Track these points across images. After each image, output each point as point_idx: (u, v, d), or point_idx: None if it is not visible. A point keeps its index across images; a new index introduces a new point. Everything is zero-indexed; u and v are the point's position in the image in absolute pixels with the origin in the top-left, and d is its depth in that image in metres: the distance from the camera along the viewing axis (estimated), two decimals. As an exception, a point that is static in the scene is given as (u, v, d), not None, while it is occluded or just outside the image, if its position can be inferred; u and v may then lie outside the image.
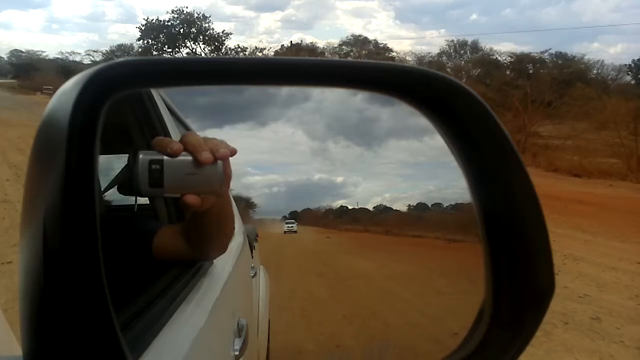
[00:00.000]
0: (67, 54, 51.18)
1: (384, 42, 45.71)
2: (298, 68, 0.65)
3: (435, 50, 43.58)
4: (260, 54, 37.82)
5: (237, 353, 0.96)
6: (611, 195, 12.73)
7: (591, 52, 68.38)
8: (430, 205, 2.28)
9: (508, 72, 29.99)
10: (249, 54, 37.57)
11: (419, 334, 2.46)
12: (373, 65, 0.68)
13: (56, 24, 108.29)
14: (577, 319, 4.36)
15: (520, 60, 30.53)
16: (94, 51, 48.54)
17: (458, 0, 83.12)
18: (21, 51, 54.00)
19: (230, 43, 44.08)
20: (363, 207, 4.04)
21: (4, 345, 0.76)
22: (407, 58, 34.58)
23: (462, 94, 0.63)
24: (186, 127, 1.62)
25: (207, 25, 43.15)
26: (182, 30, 42.81)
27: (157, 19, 42.38)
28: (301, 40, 45.04)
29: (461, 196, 0.69)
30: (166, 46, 42.35)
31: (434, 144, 0.71)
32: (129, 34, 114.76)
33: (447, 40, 41.26)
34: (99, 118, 0.47)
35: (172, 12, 42.41)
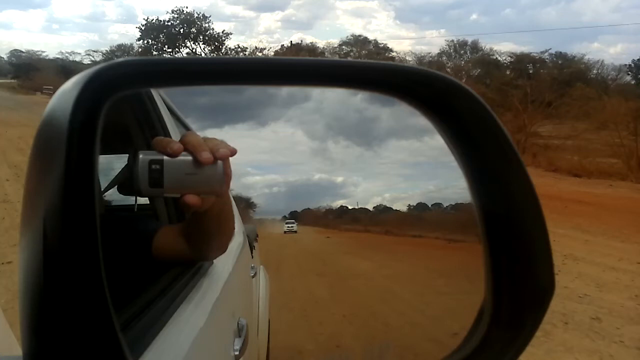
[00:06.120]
0: (67, 54, 51.21)
1: (384, 42, 45.73)
2: (298, 68, 0.65)
3: (435, 50, 43.51)
4: (260, 54, 37.81)
5: (237, 353, 0.96)
6: (611, 195, 12.72)
7: (591, 52, 68.32)
8: (430, 205, 2.28)
9: (508, 72, 29.91)
10: (249, 54, 37.56)
11: (419, 334, 2.46)
12: (373, 66, 0.68)
13: (56, 24, 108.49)
14: (577, 319, 4.36)
15: (520, 60, 30.48)
16: (94, 51, 48.55)
17: (458, 0, 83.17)
18: (21, 51, 54.09)
19: (230, 43, 44.06)
20: (363, 207, 4.04)
21: (4, 345, 0.76)
22: (407, 58, 34.57)
23: (463, 94, 0.63)
24: (186, 127, 1.62)
25: (207, 25, 43.14)
26: (182, 30, 42.77)
27: (157, 19, 42.37)
28: (301, 40, 45.08)
29: (461, 196, 0.69)
30: (166, 46, 42.31)
31: (434, 144, 0.71)
32: (129, 34, 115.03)
33: (447, 40, 41.27)
34: (99, 118, 0.47)
35: (172, 12, 42.40)
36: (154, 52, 41.45)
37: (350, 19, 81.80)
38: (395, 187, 3.68)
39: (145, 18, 46.47)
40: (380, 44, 40.32)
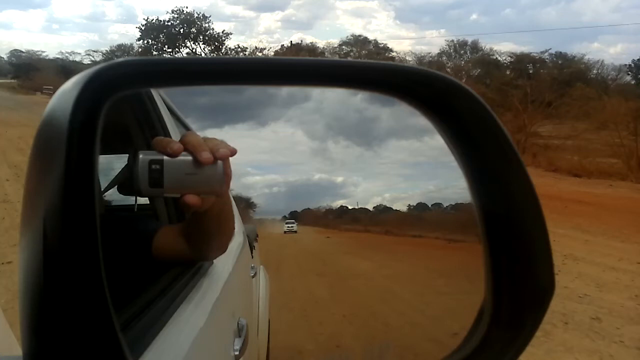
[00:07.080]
0: (67, 54, 51.20)
1: (384, 42, 45.72)
2: (298, 68, 0.65)
3: (435, 50, 43.47)
4: (260, 54, 37.80)
5: (237, 353, 0.96)
6: (611, 195, 12.72)
7: (591, 52, 68.26)
8: (430, 205, 2.28)
9: (508, 72, 29.89)
10: (249, 54, 37.54)
11: (419, 334, 2.46)
12: (373, 66, 0.68)
13: (56, 24, 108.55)
14: (577, 319, 4.36)
15: (520, 60, 30.46)
16: (94, 51, 48.55)
17: (458, 0, 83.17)
18: (21, 51, 54.10)
19: (230, 43, 44.05)
20: (363, 207, 4.04)
21: (4, 345, 0.76)
22: (407, 58, 34.55)
23: (463, 94, 0.63)
24: (186, 127, 1.62)
25: (207, 25, 43.12)
26: (182, 30, 42.76)
27: (157, 19, 42.35)
28: (301, 40, 45.07)
29: (461, 196, 0.69)
30: (166, 46, 42.29)
31: (434, 144, 0.71)
32: (129, 34, 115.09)
33: (447, 40, 41.27)
34: (99, 118, 0.47)
35: (172, 12, 42.37)
36: (154, 52, 41.43)
37: (350, 19, 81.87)
38: (395, 187, 3.69)
39: (145, 18, 46.45)
40: (380, 44, 40.35)
